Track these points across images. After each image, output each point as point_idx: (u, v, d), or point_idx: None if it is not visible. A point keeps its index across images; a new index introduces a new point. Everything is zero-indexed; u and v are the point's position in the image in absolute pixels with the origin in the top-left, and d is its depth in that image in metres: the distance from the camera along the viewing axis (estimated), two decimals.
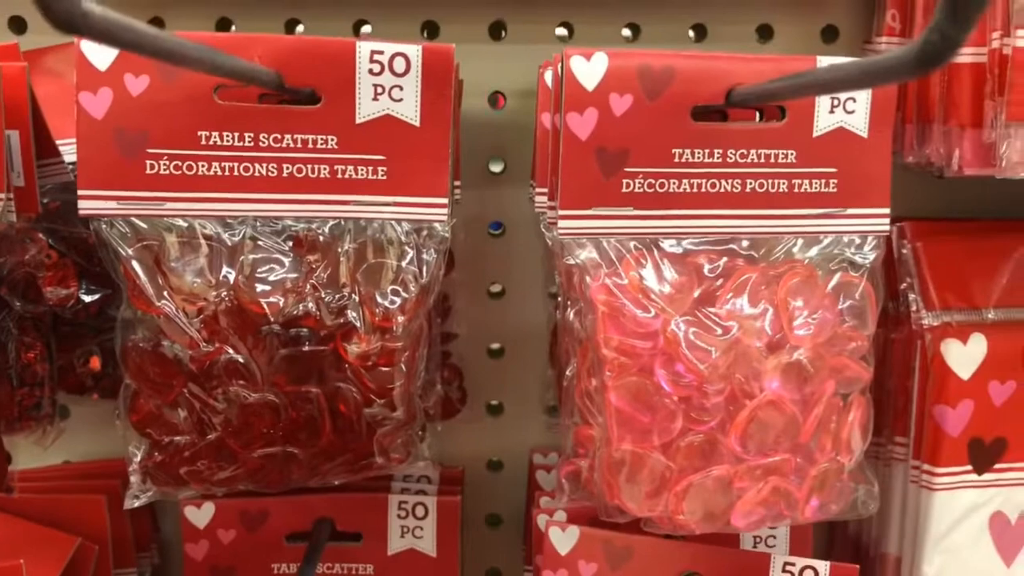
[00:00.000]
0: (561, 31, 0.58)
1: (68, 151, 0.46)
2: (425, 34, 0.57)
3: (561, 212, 0.43)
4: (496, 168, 0.61)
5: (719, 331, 0.43)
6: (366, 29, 0.57)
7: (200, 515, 0.55)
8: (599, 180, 0.43)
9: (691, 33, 0.58)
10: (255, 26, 0.56)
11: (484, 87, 0.59)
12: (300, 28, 0.57)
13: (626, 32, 0.58)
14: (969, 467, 0.54)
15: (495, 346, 0.63)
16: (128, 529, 0.58)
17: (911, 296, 0.54)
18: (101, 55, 0.42)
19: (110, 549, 0.56)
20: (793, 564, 0.50)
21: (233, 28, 0.56)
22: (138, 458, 0.46)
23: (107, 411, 0.54)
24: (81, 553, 0.54)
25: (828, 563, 0.50)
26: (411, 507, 0.56)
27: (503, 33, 0.57)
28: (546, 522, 0.52)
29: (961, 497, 0.54)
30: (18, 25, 0.56)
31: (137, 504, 0.46)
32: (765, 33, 0.57)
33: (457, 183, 0.54)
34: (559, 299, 0.50)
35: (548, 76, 0.48)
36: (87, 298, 0.52)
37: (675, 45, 0.57)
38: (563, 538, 0.51)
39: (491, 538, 0.66)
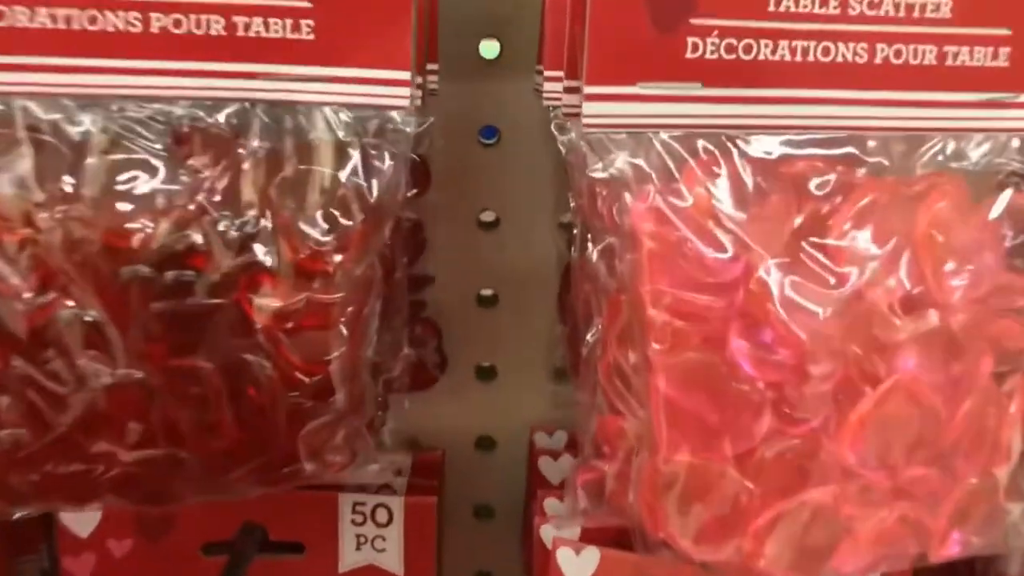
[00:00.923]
0: None
1: None
2: None
3: (588, 90, 0.27)
4: (490, 53, 0.45)
5: (832, 280, 0.27)
6: None
7: (81, 521, 0.42)
8: (650, 37, 0.27)
9: None
10: None
11: None
12: None
13: None
14: None
15: (487, 292, 0.50)
16: (2, 528, 0.44)
17: None
18: None
19: None
20: None
21: None
22: None
23: None
24: None
25: None
26: (370, 510, 0.42)
27: None
28: (553, 539, 0.38)
29: None
30: None
31: None
32: None
33: (433, 66, 0.39)
34: (576, 231, 0.35)
35: None
36: None
37: None
38: (576, 564, 0.37)
39: (480, 533, 0.54)
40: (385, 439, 0.40)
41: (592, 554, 0.37)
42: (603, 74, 0.27)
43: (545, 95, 0.35)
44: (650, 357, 0.28)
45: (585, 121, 0.27)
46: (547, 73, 0.35)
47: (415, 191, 0.41)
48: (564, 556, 0.38)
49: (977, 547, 0.32)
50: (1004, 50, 0.29)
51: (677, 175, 0.28)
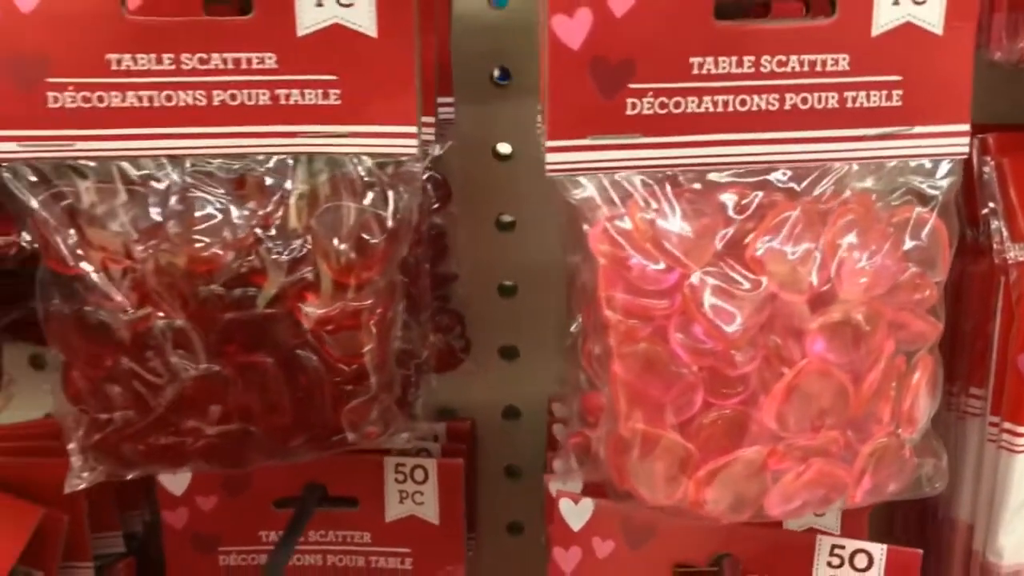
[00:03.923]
0: None
1: None
2: None
3: (549, 143, 0.34)
4: (503, 79, 0.53)
5: (748, 285, 0.35)
6: None
7: (176, 481, 0.50)
8: (597, 101, 0.34)
9: None
10: None
11: None
12: None
13: None
14: None
15: (507, 283, 0.57)
16: (110, 489, 0.53)
17: (994, 224, 0.45)
18: None
19: (84, 515, 0.51)
20: (843, 547, 0.43)
21: None
22: (78, 435, 0.40)
23: None
24: (48, 524, 0.49)
25: (885, 547, 0.42)
26: (409, 470, 0.50)
27: None
28: (557, 492, 0.45)
29: None
30: None
31: (81, 487, 0.40)
32: None
33: (447, 99, 0.46)
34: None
35: None
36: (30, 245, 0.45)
37: None
38: (576, 512, 0.45)
39: (510, 491, 0.61)
40: (418, 412, 0.48)
41: (587, 504, 0.45)
42: (560, 131, 0.34)
43: (538, 124, 0.43)
44: (608, 348, 0.36)
45: (548, 167, 0.35)
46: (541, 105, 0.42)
47: (437, 204, 0.49)
48: (565, 506, 0.45)
49: (892, 493, 0.39)
50: (897, 92, 0.36)
51: (623, 206, 0.35)
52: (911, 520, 0.53)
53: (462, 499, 0.50)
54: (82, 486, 0.41)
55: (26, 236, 0.45)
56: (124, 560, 0.56)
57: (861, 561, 0.43)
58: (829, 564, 0.43)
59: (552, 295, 0.55)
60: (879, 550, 0.43)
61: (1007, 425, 0.46)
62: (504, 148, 0.54)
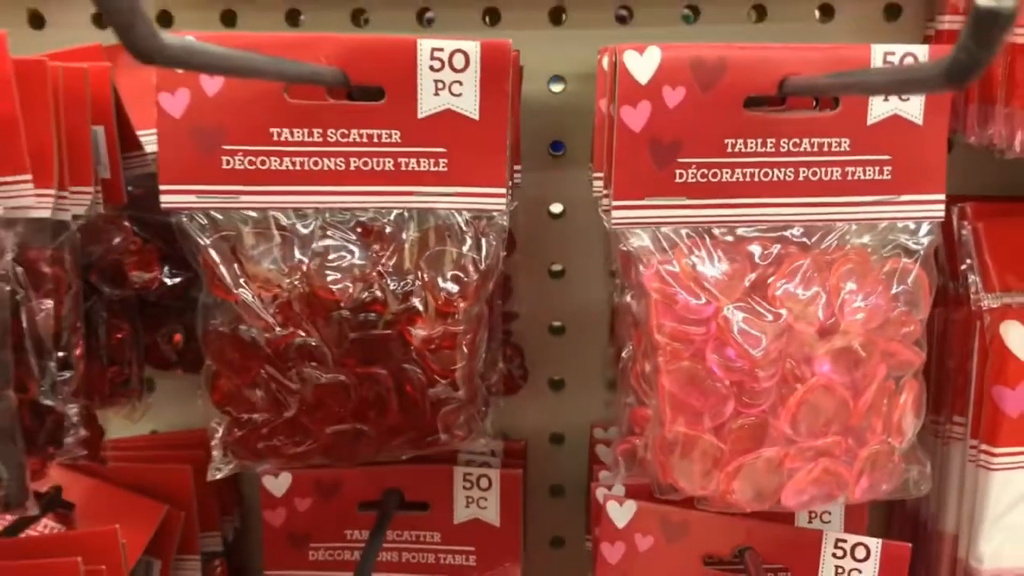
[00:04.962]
0: (622, 12, 0.59)
1: (148, 141, 0.49)
2: (487, 20, 0.59)
3: (615, 203, 0.44)
4: (557, 150, 0.62)
5: (770, 317, 0.44)
6: (429, 16, 0.59)
7: (278, 484, 0.58)
8: (652, 171, 0.44)
9: (751, 14, 0.58)
10: (322, 16, 0.58)
11: (545, 71, 0.60)
12: (365, 17, 0.58)
13: (686, 13, 0.58)
14: None
15: (557, 324, 0.65)
16: (213, 495, 0.62)
17: (971, 277, 0.55)
18: None
19: (195, 515, 0.60)
20: (845, 541, 0.51)
21: (302, 18, 0.58)
22: (219, 434, 0.49)
23: (190, 384, 0.57)
24: (169, 520, 0.58)
25: (880, 541, 0.51)
26: (476, 478, 0.58)
27: (563, 17, 0.59)
28: (604, 496, 0.54)
29: (1020, 477, 0.54)
30: (37, 21, 0.59)
31: (219, 476, 0.49)
32: (827, 12, 0.57)
33: (517, 167, 0.56)
34: (617, 281, 0.51)
35: (606, 61, 0.49)
36: (169, 281, 0.55)
37: (734, 27, 0.58)
38: (620, 512, 0.53)
39: (554, 507, 0.68)
40: (488, 428, 0.56)
41: (631, 505, 0.53)
42: (624, 194, 0.44)
43: (594, 188, 0.52)
44: (658, 366, 0.45)
45: (613, 222, 0.44)
46: (595, 173, 0.52)
47: (505, 253, 0.58)
48: (612, 507, 0.54)
49: (886, 492, 0.48)
50: (887, 168, 0.45)
51: (671, 252, 0.45)
52: (905, 533, 0.62)
53: (520, 505, 0.59)
54: (219, 475, 0.49)
55: (167, 272, 0.55)
56: (219, 558, 0.64)
57: (860, 553, 0.52)
58: (834, 555, 0.52)
59: (595, 335, 0.64)
60: (875, 544, 0.51)
61: (984, 447, 0.54)
62: (556, 208, 0.64)
